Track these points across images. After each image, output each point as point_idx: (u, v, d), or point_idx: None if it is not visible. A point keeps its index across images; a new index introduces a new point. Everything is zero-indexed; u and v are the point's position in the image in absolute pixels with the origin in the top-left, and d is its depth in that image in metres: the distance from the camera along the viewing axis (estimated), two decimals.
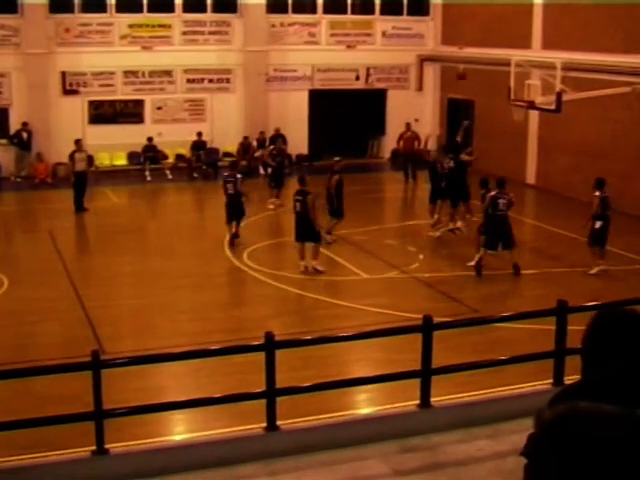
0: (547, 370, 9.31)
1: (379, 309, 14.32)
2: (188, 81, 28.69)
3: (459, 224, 19.42)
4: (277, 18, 29.29)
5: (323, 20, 29.86)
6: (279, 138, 26.64)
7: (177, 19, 28.31)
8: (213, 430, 9.18)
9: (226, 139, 28.57)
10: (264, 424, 8.33)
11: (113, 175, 27.27)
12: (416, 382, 8.89)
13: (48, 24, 26.76)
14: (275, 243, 19.57)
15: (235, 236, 19.04)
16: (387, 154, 30.96)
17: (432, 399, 8.84)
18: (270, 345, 8.30)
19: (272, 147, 25.32)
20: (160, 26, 28.13)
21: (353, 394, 10.70)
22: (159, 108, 28.53)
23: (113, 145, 27.64)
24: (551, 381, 9.20)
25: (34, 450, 8.52)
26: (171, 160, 27.95)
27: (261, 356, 8.29)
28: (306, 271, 16.65)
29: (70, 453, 8.31)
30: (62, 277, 16.41)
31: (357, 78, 30.47)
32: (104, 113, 28.07)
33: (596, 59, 21.20)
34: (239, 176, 19.39)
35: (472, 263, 16.77)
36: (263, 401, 8.35)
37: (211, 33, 28.73)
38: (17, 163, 26.96)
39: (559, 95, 18.86)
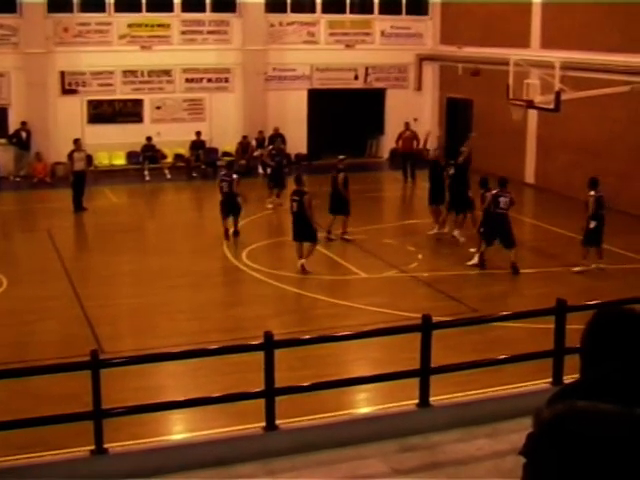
0: (546, 369, 9.30)
1: (378, 308, 14.32)
2: (187, 80, 28.68)
3: (455, 232, 19.03)
4: (276, 17, 29.27)
5: (322, 19, 29.84)
6: (278, 137, 26.58)
7: (176, 18, 28.29)
8: (212, 429, 9.18)
9: (225, 138, 28.54)
10: (263, 423, 8.33)
11: (112, 175, 27.24)
12: (415, 381, 8.89)
13: (47, 23, 26.75)
14: (274, 242, 19.56)
15: (236, 233, 19.11)
16: (386, 153, 30.91)
17: (431, 398, 8.84)
18: (269, 344, 8.29)
19: (271, 147, 25.26)
20: (159, 26, 28.12)
21: (352, 393, 10.70)
22: (158, 108, 28.51)
23: (112, 145, 27.61)
24: (550, 380, 9.20)
25: (33, 450, 8.51)
26: (170, 160, 27.92)
27: (260, 355, 8.29)
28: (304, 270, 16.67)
29: (69, 453, 8.30)
30: (61, 276, 16.40)
31: (356, 77, 30.44)
32: (103, 113, 28.05)
33: (595, 58, 21.21)
34: (235, 176, 19.44)
35: (472, 263, 16.78)
36: (262, 400, 8.35)
37: (210, 32, 28.71)
38: (16, 162, 26.93)
39: (558, 94, 18.86)
